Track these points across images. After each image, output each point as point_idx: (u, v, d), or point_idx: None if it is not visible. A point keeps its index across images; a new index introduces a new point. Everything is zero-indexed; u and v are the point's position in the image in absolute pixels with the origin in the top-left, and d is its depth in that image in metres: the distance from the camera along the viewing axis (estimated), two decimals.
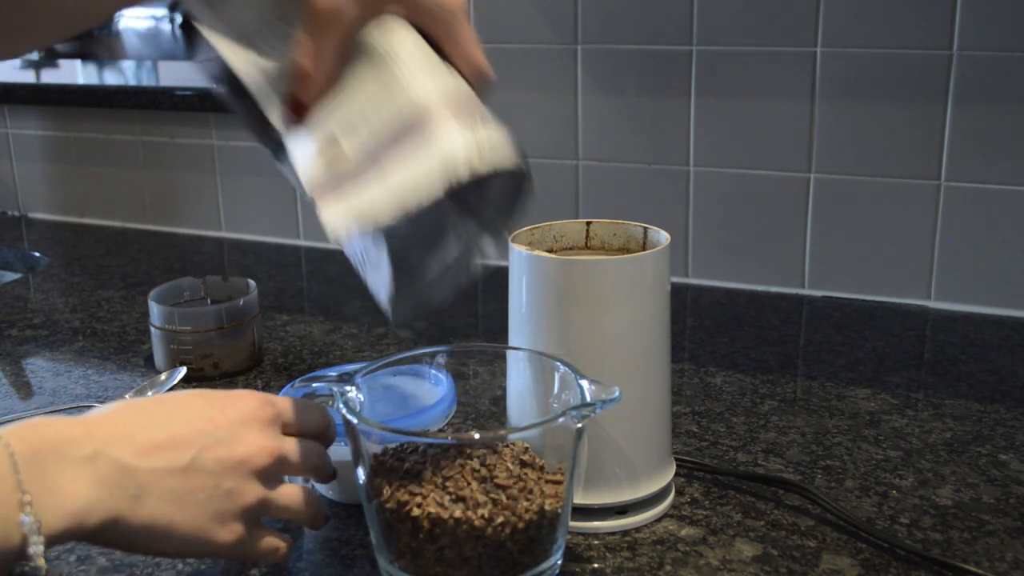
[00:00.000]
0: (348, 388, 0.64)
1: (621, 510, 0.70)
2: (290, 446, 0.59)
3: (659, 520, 0.71)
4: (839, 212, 1.17)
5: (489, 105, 0.58)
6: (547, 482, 0.61)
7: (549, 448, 0.63)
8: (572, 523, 0.69)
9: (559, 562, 0.64)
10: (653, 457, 0.71)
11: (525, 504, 0.59)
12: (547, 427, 0.62)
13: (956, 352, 1.02)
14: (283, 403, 0.61)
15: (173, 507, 0.52)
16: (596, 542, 0.69)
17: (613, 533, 0.70)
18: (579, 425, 0.61)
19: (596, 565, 0.66)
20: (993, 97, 1.07)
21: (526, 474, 0.61)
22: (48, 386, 0.97)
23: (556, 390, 0.67)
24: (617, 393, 0.60)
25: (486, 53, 0.61)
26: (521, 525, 0.59)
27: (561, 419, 0.60)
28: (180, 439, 0.53)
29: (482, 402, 0.75)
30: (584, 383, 0.62)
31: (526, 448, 0.63)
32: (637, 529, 0.70)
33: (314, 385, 0.66)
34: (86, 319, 1.16)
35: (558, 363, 0.66)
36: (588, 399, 0.61)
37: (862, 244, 1.17)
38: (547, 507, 0.60)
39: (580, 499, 0.69)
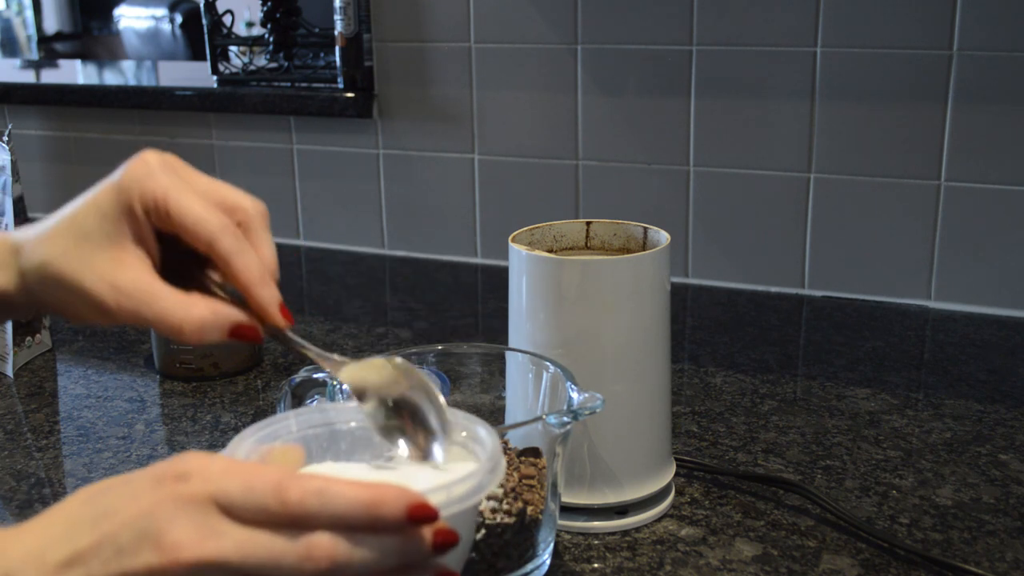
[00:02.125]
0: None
1: (621, 510, 0.70)
2: (230, 545, 0.41)
3: (659, 520, 0.71)
4: (839, 212, 1.17)
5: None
6: (526, 486, 0.61)
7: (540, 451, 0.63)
8: (572, 523, 0.69)
9: (547, 561, 0.64)
10: (653, 457, 0.71)
11: (504, 507, 0.59)
12: (523, 430, 0.62)
13: (956, 352, 1.02)
14: (220, 474, 0.42)
15: None
16: (596, 542, 0.69)
17: (613, 533, 0.70)
18: (558, 431, 0.61)
19: (596, 565, 0.66)
20: (993, 97, 1.07)
21: (508, 476, 0.61)
22: (48, 387, 0.98)
23: (544, 393, 0.67)
24: (600, 402, 0.60)
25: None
26: (498, 529, 0.59)
27: (537, 424, 0.60)
28: (82, 553, 0.41)
29: (484, 402, 0.75)
30: (573, 389, 0.62)
31: (506, 450, 0.63)
32: (637, 529, 0.70)
33: (315, 376, 0.66)
34: None
35: (549, 364, 0.66)
36: (574, 406, 0.61)
37: (862, 244, 1.17)
38: (528, 511, 0.60)
39: (580, 499, 0.69)
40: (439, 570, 0.44)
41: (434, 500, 0.42)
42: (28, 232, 0.54)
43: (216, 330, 0.51)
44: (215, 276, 0.55)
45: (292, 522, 0.41)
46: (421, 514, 0.41)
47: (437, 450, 0.50)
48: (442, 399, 0.51)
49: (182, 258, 0.53)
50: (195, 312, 0.51)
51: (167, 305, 0.51)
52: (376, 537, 0.41)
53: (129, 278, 0.51)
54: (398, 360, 0.51)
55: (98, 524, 0.42)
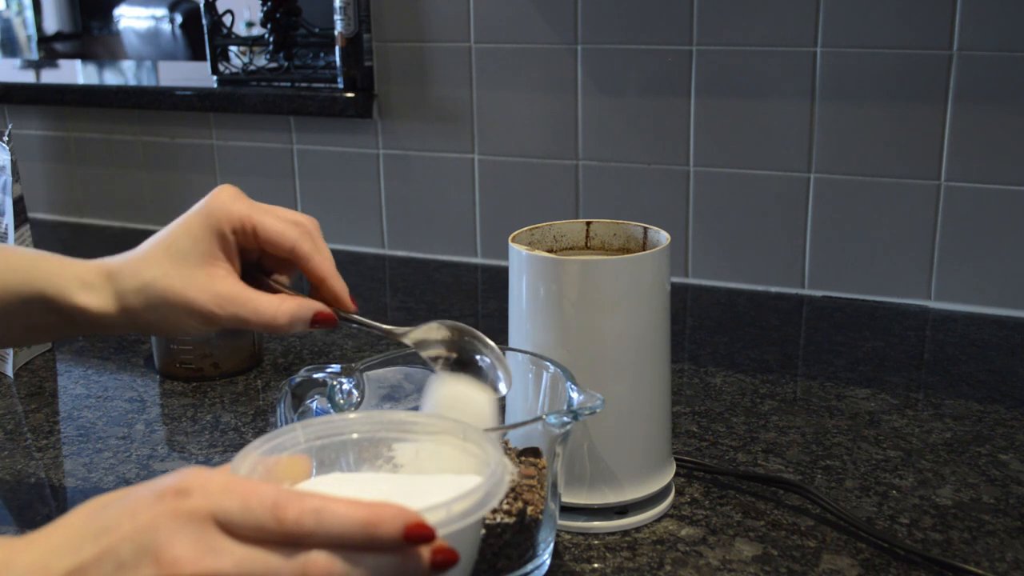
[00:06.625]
0: (343, 381, 0.64)
1: (621, 510, 0.70)
2: (228, 562, 0.41)
3: (659, 520, 0.71)
4: (839, 212, 1.17)
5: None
6: (526, 486, 0.61)
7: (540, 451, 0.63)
8: (572, 523, 0.69)
9: (547, 561, 0.64)
10: (653, 457, 0.71)
11: (504, 506, 0.59)
12: (523, 430, 0.62)
13: (956, 352, 1.02)
14: (219, 491, 0.42)
15: None
16: (596, 542, 0.69)
17: (613, 533, 0.70)
18: (558, 431, 0.61)
19: (596, 565, 0.66)
20: (993, 97, 1.07)
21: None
22: (48, 387, 0.98)
23: (544, 393, 0.67)
24: (600, 402, 0.60)
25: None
26: (498, 529, 0.59)
27: (537, 424, 0.60)
28: (85, 565, 0.42)
29: None
30: (573, 389, 0.62)
31: (505, 450, 0.63)
32: (637, 529, 0.70)
33: (315, 376, 0.66)
34: None
35: (549, 364, 0.66)
36: (574, 406, 0.61)
37: (862, 244, 1.17)
38: (528, 511, 0.60)
39: (580, 499, 0.69)
40: None
41: (432, 519, 0.42)
42: (120, 258, 0.64)
43: (302, 320, 0.62)
44: (281, 279, 0.66)
45: (289, 540, 0.41)
46: (418, 534, 0.41)
47: (501, 385, 0.62)
48: (491, 342, 0.63)
49: (250, 270, 0.65)
50: (285, 307, 0.61)
51: (261, 304, 0.61)
52: (373, 556, 0.41)
53: (227, 287, 0.61)
54: (449, 322, 0.64)
55: (100, 537, 0.42)
